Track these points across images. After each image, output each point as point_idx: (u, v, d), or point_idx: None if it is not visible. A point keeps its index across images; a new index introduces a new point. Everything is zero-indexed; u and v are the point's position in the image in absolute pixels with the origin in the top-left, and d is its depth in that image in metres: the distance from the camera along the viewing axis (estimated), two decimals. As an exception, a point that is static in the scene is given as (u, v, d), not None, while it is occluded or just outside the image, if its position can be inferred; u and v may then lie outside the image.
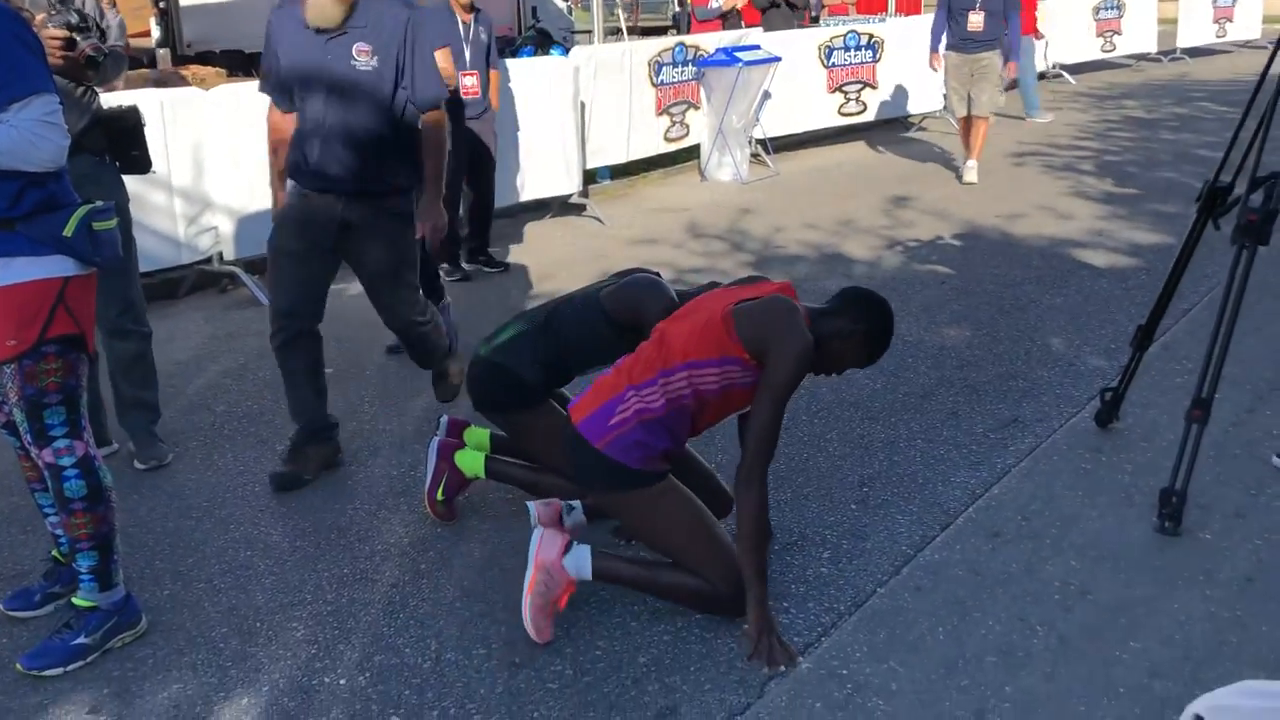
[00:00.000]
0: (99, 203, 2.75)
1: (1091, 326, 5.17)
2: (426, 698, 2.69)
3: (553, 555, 2.89)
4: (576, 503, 3.26)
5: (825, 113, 10.48)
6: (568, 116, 7.80)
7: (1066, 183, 8.35)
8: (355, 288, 4.38)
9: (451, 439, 3.56)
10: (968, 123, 8.56)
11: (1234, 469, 3.68)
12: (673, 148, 9.17)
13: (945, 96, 9.17)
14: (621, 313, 3.32)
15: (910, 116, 11.43)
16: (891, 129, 11.21)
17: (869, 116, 10.85)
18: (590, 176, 8.97)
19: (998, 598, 3.00)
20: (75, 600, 2.88)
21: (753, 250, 6.87)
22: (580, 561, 2.90)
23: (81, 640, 2.85)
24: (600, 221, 7.92)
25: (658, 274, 3.48)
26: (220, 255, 6.46)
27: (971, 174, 8.58)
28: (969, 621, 2.90)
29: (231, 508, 3.72)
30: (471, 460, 3.49)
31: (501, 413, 3.47)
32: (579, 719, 2.59)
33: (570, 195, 8.16)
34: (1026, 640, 2.82)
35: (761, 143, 9.66)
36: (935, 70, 9.06)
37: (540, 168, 7.76)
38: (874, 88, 10.76)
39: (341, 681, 2.76)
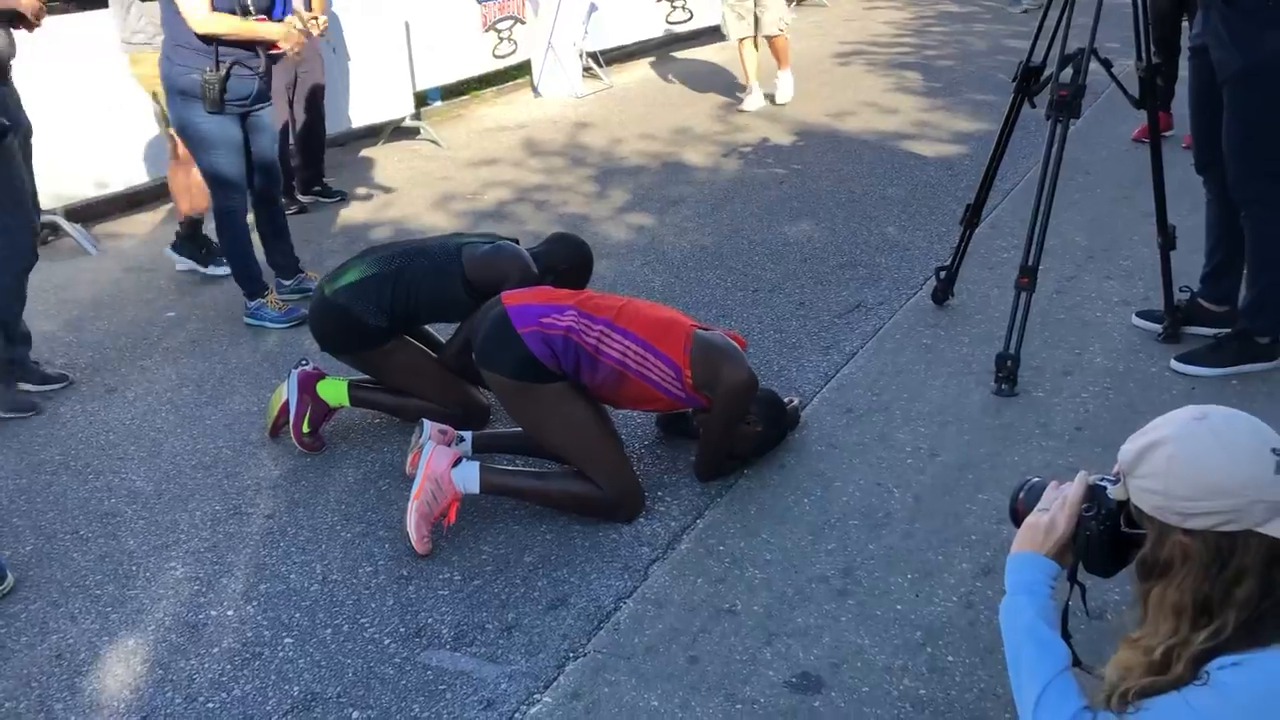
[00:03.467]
0: None
1: (923, 213, 5.42)
2: (318, 618, 2.71)
3: (442, 467, 2.93)
4: (467, 434, 3.29)
5: (653, 23, 10.48)
6: (394, 37, 7.62)
7: (889, 79, 8.60)
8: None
9: (311, 370, 3.52)
10: (743, 45, 7.87)
11: (1060, 332, 3.95)
12: (502, 64, 9.05)
13: (722, 16, 8.14)
14: (481, 280, 3.33)
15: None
16: (719, 36, 11.29)
17: (696, 25, 10.90)
18: (421, 99, 8.80)
19: (855, 467, 3.19)
20: (-67, 564, 2.79)
21: (593, 164, 6.89)
22: (468, 475, 2.94)
23: (-54, 602, 2.76)
24: (436, 144, 7.80)
25: (516, 240, 3.51)
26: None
27: (786, 88, 8.03)
28: (831, 491, 3.08)
29: (87, 458, 3.62)
30: (334, 389, 3.48)
31: (348, 353, 3.46)
32: (473, 618, 2.66)
33: (403, 119, 8.00)
34: (885, 502, 3.01)
35: (593, 55, 9.62)
36: None
37: (370, 91, 7.57)
38: (699, -6, 10.80)
39: (229, 613, 2.76)
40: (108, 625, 2.74)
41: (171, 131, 4.84)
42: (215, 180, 4.46)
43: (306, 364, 3.54)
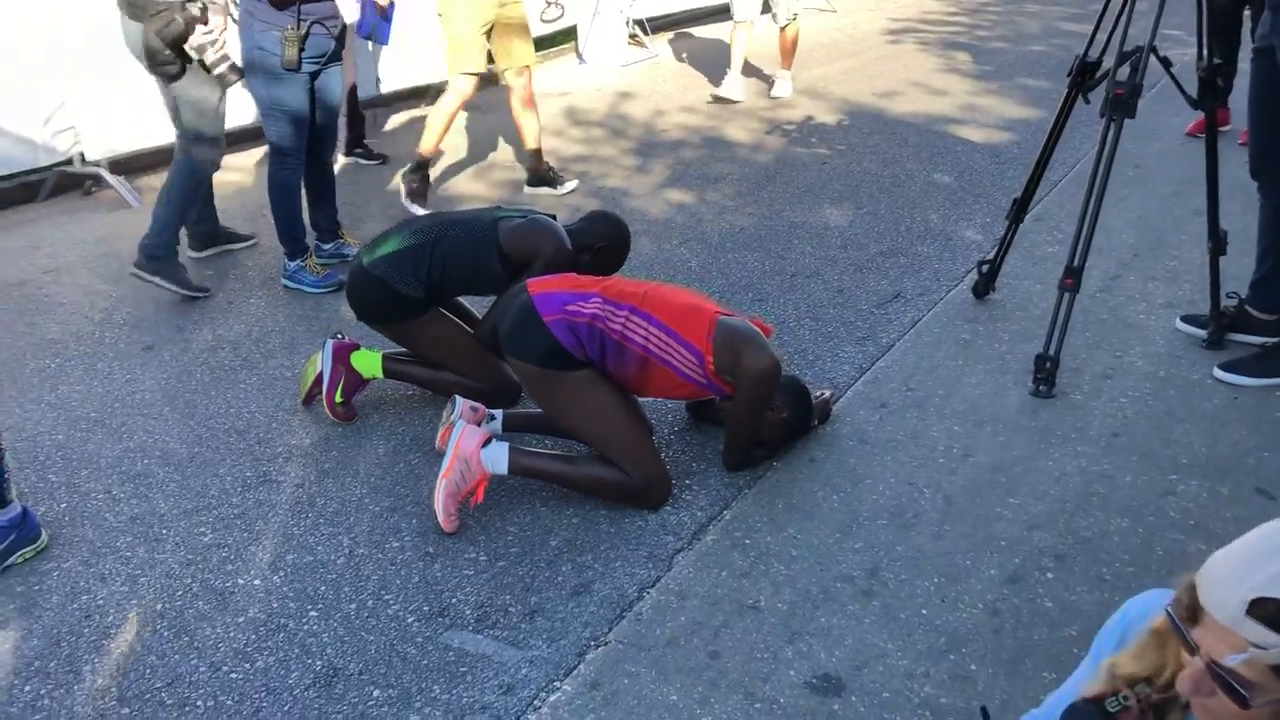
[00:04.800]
0: None
1: (967, 202, 5.34)
2: (344, 592, 2.73)
3: (472, 446, 2.93)
4: (498, 413, 3.29)
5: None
6: None
7: (940, 60, 8.47)
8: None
9: (346, 340, 3.53)
10: (738, 28, 7.24)
11: (1101, 333, 3.89)
12: (549, 30, 8.99)
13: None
14: (516, 253, 3.33)
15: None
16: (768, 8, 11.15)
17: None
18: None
19: (886, 464, 3.16)
20: (-32, 520, 2.83)
21: (634, 136, 6.84)
22: (497, 456, 2.95)
23: (-20, 557, 2.81)
24: (480, 109, 7.77)
25: (554, 216, 3.50)
26: (82, 156, 6.18)
27: (784, 87, 7.44)
28: (861, 488, 3.05)
29: (123, 417, 3.65)
30: (368, 360, 3.49)
31: (384, 324, 3.46)
32: (496, 600, 2.67)
33: (448, 81, 7.96)
34: (915, 502, 2.98)
35: (639, 23, 9.53)
36: None
37: (416, 54, 7.55)
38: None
39: (256, 582, 2.79)
40: (137, 588, 2.78)
41: None
42: (277, 149, 4.51)
43: (341, 335, 3.55)
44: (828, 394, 3.41)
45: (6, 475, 2.83)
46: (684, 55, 9.18)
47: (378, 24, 5.38)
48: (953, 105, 7.11)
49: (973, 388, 3.57)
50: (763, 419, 3.07)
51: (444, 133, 5.63)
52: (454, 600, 2.68)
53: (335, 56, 4.51)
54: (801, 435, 3.27)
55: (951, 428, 3.34)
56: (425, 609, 2.65)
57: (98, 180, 6.18)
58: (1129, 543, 2.79)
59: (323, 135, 4.70)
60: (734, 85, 7.42)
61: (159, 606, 2.70)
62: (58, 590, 2.78)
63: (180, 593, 2.75)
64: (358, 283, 3.45)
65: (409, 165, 5.60)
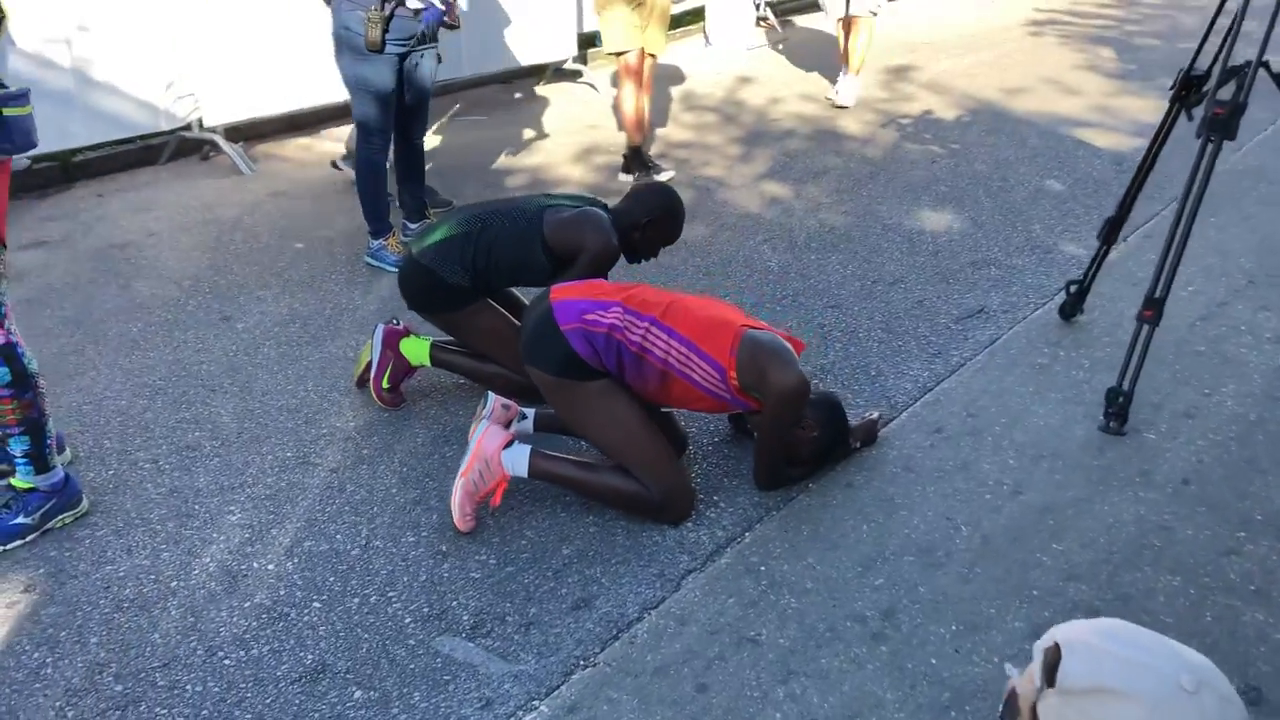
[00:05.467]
0: (13, 88, 2.69)
1: (1077, 212, 5.04)
2: (350, 585, 2.73)
3: (493, 447, 2.90)
4: (531, 411, 3.25)
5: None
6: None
7: (1080, 55, 8.05)
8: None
9: (398, 327, 3.54)
10: (848, 25, 6.89)
11: (1193, 367, 3.62)
12: (677, 9, 8.87)
13: None
14: (559, 245, 3.28)
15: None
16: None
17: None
18: (590, 40, 8.73)
19: (928, 496, 3.00)
20: (13, 482, 2.93)
21: (745, 124, 6.70)
22: (518, 459, 2.90)
23: (21, 520, 2.90)
24: (594, 89, 7.74)
25: (605, 206, 3.41)
26: (200, 122, 6.37)
27: (848, 94, 6.91)
28: (895, 520, 2.90)
29: (185, 386, 3.75)
30: (417, 348, 3.49)
31: (433, 313, 3.45)
32: (496, 608, 2.63)
33: (564, 60, 7.95)
34: (948, 540, 2.82)
35: (771, 6, 9.35)
36: None
37: (533, 30, 7.54)
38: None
39: (270, 567, 2.81)
40: (158, 563, 2.83)
41: None
42: (362, 127, 4.55)
43: (397, 321, 3.55)
44: (875, 415, 3.26)
45: (49, 441, 2.92)
46: (812, 40, 8.96)
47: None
48: (1083, 106, 6.74)
49: (1039, 418, 3.36)
50: (792, 438, 2.95)
51: (635, 116, 5.58)
52: (454, 603, 2.65)
53: (425, 40, 4.51)
54: (841, 458, 3.13)
55: (1006, 460, 3.15)
56: (425, 610, 2.63)
57: (215, 147, 6.37)
58: (1176, 604, 2.57)
59: (413, 116, 4.71)
60: (851, 87, 7.12)
61: (174, 584, 2.75)
62: (85, 558, 2.86)
63: (197, 571, 2.80)
64: (407, 272, 3.44)
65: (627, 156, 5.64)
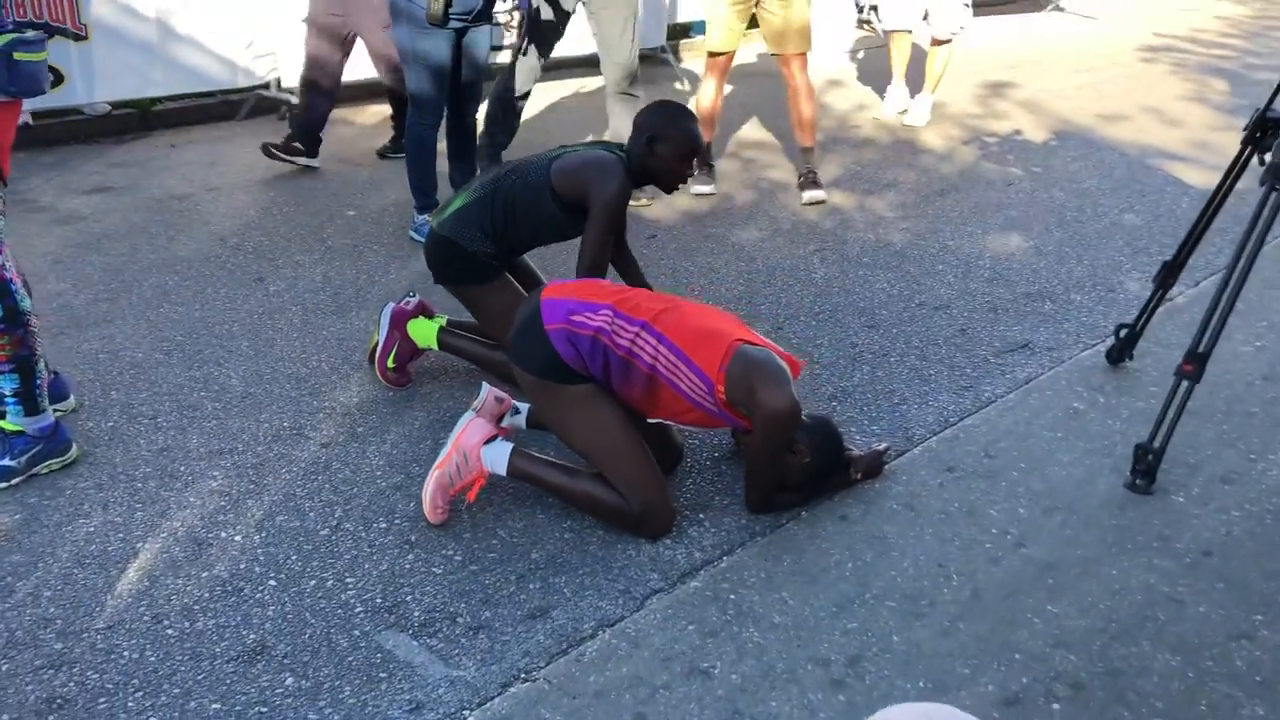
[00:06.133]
0: (29, 33, 2.68)
1: (1151, 250, 4.77)
2: (311, 566, 2.68)
3: (474, 442, 2.82)
4: (525, 406, 3.16)
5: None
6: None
7: (1190, 85, 7.67)
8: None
9: (406, 307, 3.48)
10: (896, 38, 6.65)
11: (1242, 428, 3.38)
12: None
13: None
14: (567, 191, 3.18)
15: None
16: (1028, 6, 10.48)
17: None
18: (684, 30, 8.62)
19: (924, 538, 2.83)
20: (2, 424, 2.94)
21: (823, 129, 6.51)
22: (498, 456, 2.82)
23: (6, 462, 2.91)
24: (682, 83, 7.63)
25: (619, 152, 3.28)
26: (278, 81, 6.42)
27: (920, 112, 6.54)
28: (883, 560, 2.75)
29: (203, 344, 3.75)
30: (424, 330, 3.43)
31: (455, 285, 3.38)
32: (450, 606, 2.55)
33: (654, 50, 7.85)
34: (936, 588, 2.65)
35: (874, 9, 9.09)
36: None
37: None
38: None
39: (236, 538, 2.77)
40: (130, 523, 2.81)
41: None
42: (416, 101, 4.52)
43: (410, 300, 3.49)
44: (883, 447, 3.10)
45: (40, 384, 2.92)
46: (915, 47, 8.69)
47: None
48: (1181, 139, 6.41)
49: (1061, 467, 3.16)
50: (782, 461, 2.81)
51: (705, 112, 5.40)
52: (409, 597, 2.57)
53: (485, 15, 4.45)
54: (840, 488, 2.98)
55: (1017, 509, 2.96)
56: (378, 601, 2.56)
57: (291, 106, 6.41)
58: (1170, 687, 2.38)
59: (467, 93, 4.66)
60: (900, 96, 6.86)
61: (139, 545, 2.73)
62: (61, 509, 2.85)
63: (165, 535, 2.77)
64: (430, 244, 3.38)
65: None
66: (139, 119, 6.28)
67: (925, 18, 6.51)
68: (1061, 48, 8.91)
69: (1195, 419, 3.40)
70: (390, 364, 3.44)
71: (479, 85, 4.72)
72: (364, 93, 6.78)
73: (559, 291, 2.83)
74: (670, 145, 3.25)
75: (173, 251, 4.53)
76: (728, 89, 5.71)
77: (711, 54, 5.31)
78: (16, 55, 2.61)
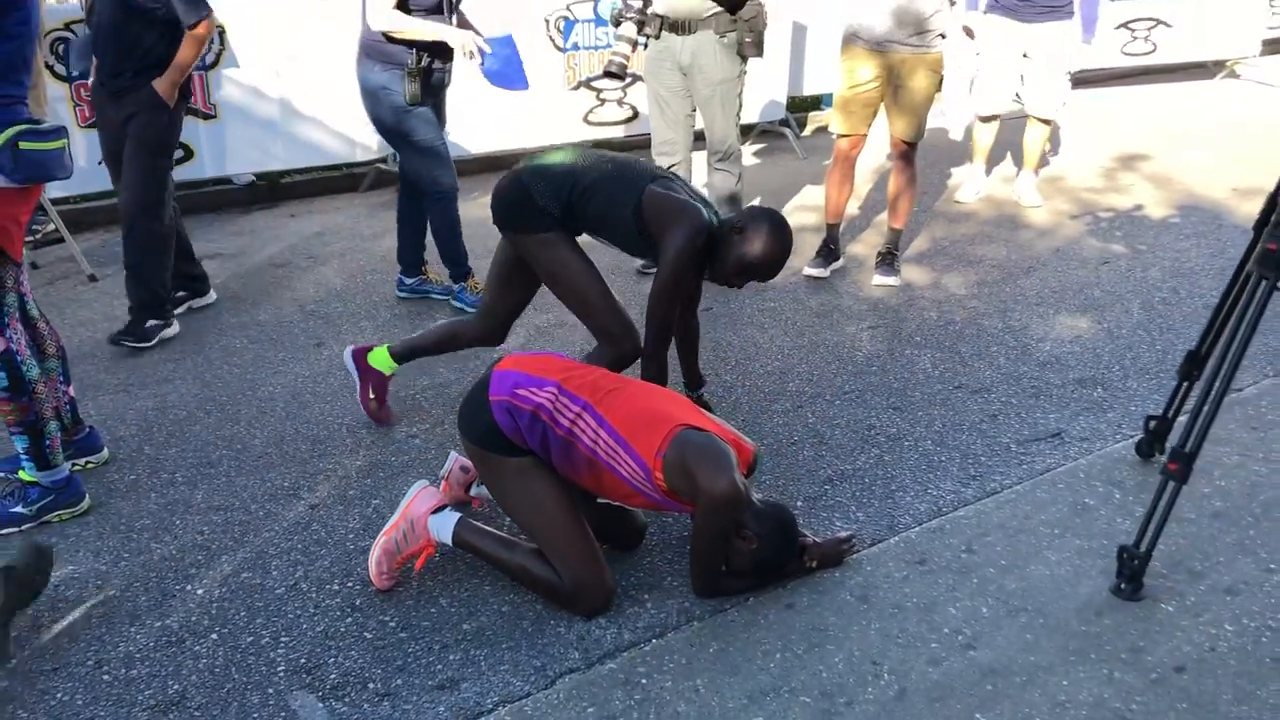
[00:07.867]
0: (44, 124, 2.96)
1: (1238, 335, 4.43)
2: (255, 623, 2.79)
3: (422, 510, 2.90)
4: None
5: (1106, 50, 9.41)
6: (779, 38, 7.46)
7: (1351, 156, 7.10)
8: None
9: (360, 346, 3.78)
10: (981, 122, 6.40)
11: (1270, 536, 3.09)
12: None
13: (973, 81, 6.45)
14: (651, 215, 3.22)
15: (1223, 61, 10.10)
16: (1198, 73, 9.98)
17: (1162, 58, 9.70)
18: (814, 103, 8.62)
19: (867, 633, 2.71)
20: (21, 474, 3.20)
21: (929, 194, 6.35)
22: (444, 525, 2.88)
23: (18, 510, 3.17)
24: (797, 155, 7.62)
25: (714, 218, 3.27)
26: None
27: (1031, 193, 6.27)
28: (814, 654, 2.64)
29: (241, 405, 3.98)
30: (379, 357, 3.71)
31: (513, 230, 3.42)
32: (365, 673, 2.60)
33: (773, 122, 7.89)
34: (860, 687, 2.53)
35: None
36: (971, 38, 6.11)
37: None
38: (1168, 25, 9.56)
39: (199, 592, 2.92)
40: (111, 571, 3.01)
41: None
42: (440, 160, 4.63)
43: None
44: (845, 535, 2.99)
45: (48, 443, 3.16)
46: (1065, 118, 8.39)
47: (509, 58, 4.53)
48: (1316, 214, 5.92)
49: (1046, 566, 2.97)
50: (726, 547, 2.76)
51: (831, 201, 5.27)
52: (331, 660, 2.65)
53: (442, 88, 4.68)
54: (795, 575, 2.90)
55: (979, 608, 2.80)
56: (301, 661, 2.65)
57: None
58: (1085, 815, 2.19)
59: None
60: (978, 181, 6.56)
61: (112, 594, 2.91)
62: (61, 555, 3.07)
63: (137, 586, 2.95)
64: (503, 183, 3.41)
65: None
66: (267, 190, 6.75)
67: (1017, 98, 6.29)
68: (1222, 117, 8.42)
69: (1221, 521, 3.16)
70: (371, 399, 3.66)
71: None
72: (482, 165, 7.06)
73: (512, 364, 2.88)
74: (746, 254, 3.22)
75: (252, 315, 4.83)
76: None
77: (839, 135, 5.21)
78: (22, 145, 2.88)
